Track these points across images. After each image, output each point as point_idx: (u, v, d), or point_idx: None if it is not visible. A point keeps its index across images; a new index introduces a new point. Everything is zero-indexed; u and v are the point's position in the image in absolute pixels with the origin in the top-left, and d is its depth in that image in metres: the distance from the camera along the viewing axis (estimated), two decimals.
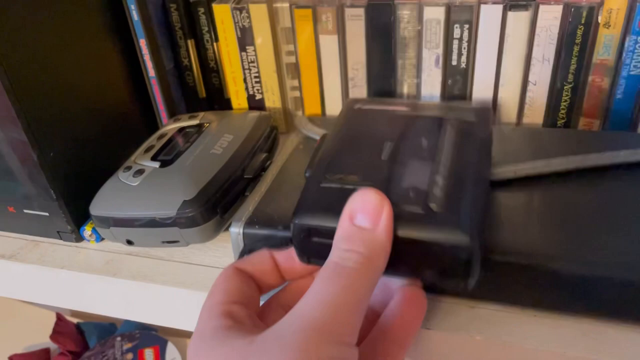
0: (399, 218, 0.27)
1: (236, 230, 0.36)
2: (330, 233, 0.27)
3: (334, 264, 0.26)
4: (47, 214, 0.43)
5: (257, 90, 0.53)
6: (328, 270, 0.26)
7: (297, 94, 0.53)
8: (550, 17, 0.43)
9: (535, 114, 0.47)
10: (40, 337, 0.94)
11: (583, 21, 0.42)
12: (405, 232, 0.27)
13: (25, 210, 0.43)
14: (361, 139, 0.36)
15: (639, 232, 0.32)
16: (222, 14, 0.50)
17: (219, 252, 0.42)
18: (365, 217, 0.27)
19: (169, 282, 0.40)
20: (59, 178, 0.41)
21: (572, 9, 0.42)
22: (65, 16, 0.42)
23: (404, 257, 0.27)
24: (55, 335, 0.91)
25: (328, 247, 0.26)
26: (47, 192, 0.41)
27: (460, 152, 0.32)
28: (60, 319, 0.94)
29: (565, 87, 0.46)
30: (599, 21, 0.42)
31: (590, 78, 0.45)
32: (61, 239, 0.44)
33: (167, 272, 0.41)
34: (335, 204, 0.28)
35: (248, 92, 0.54)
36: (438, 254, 0.26)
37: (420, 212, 0.27)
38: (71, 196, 0.42)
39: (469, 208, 0.28)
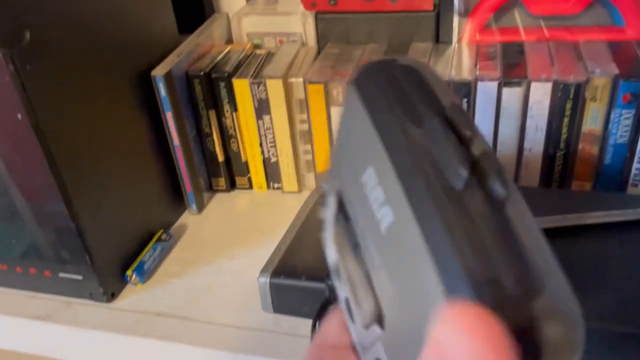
0: None
1: (263, 280, 0.40)
2: None
3: None
4: (80, 277, 0.46)
5: (272, 154, 0.58)
6: None
7: (309, 157, 0.57)
8: (541, 93, 0.47)
9: (531, 178, 0.51)
10: None
11: (571, 96, 0.47)
12: None
13: (61, 274, 0.47)
14: None
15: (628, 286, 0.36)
16: (242, 87, 0.54)
17: (244, 312, 0.45)
18: None
19: (194, 343, 0.43)
20: (94, 245, 0.45)
21: (561, 86, 0.46)
22: (102, 93, 0.46)
23: None
24: None
25: None
26: (83, 258, 0.44)
27: None
28: None
29: (557, 154, 0.50)
30: (586, 96, 0.47)
31: (580, 146, 0.49)
32: (92, 299, 0.48)
33: (194, 332, 0.44)
34: None
35: (264, 155, 0.58)
36: None
37: None
38: (104, 261, 0.46)
39: None
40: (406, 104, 0.18)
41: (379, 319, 0.18)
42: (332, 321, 0.24)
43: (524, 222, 0.16)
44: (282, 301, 0.43)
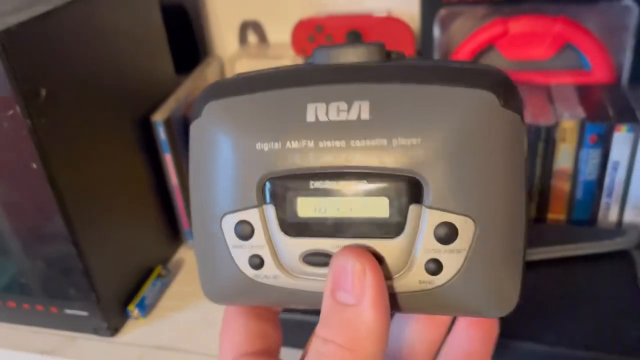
0: None
1: None
2: None
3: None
4: (86, 313, 0.48)
5: None
6: None
7: None
8: None
9: None
10: None
11: (543, 138, 0.51)
12: None
13: (67, 311, 0.49)
14: None
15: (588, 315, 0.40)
16: None
17: None
18: (345, 290, 0.19)
19: None
20: (100, 283, 0.47)
21: (533, 129, 0.50)
22: (106, 139, 0.49)
23: None
24: None
25: None
26: (89, 296, 0.47)
27: None
28: None
29: (532, 190, 0.53)
30: (556, 137, 0.51)
31: (553, 182, 0.53)
32: (96, 334, 0.50)
33: None
34: None
35: None
36: None
37: None
38: (108, 297, 0.48)
39: None
40: (271, 76, 0.22)
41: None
42: (233, 331, 0.24)
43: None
44: None
